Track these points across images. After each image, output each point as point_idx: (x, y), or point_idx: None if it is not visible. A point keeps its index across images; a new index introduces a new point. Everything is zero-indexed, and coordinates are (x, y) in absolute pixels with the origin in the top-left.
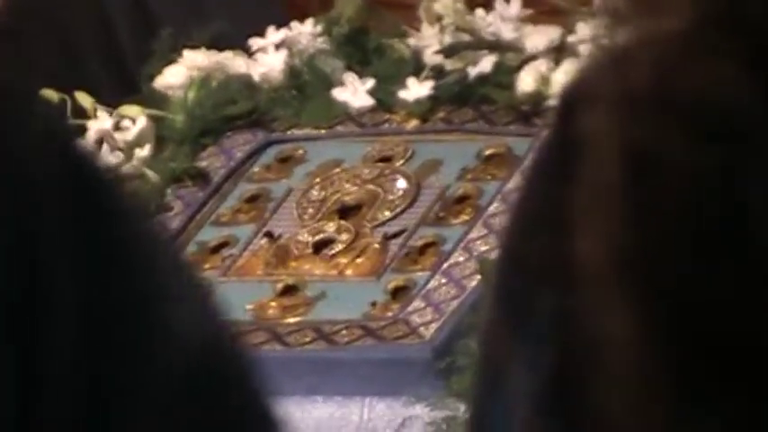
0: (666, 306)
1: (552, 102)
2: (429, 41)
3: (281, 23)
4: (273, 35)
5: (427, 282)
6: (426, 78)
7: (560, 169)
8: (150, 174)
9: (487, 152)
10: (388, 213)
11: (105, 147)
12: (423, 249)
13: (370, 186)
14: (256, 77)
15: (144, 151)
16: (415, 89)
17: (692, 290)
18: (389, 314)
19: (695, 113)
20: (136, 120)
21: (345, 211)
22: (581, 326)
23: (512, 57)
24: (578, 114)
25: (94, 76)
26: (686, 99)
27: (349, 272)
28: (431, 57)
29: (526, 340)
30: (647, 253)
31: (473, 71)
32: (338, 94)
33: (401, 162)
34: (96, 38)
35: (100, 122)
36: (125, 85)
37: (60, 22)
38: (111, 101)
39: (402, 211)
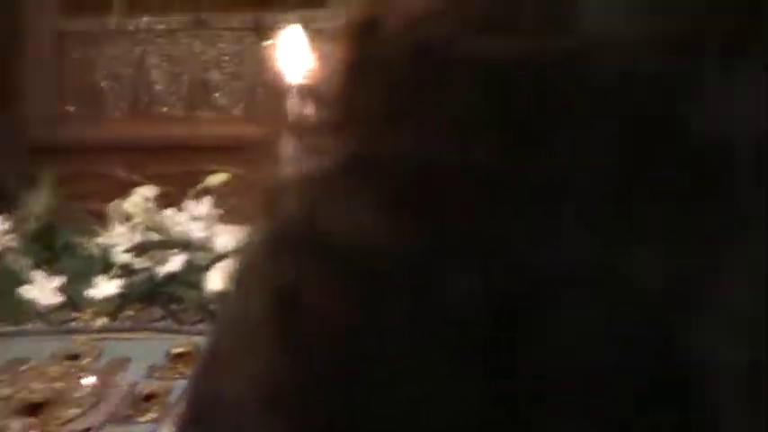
0: None
1: None
2: (118, 240)
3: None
4: None
5: None
6: (115, 276)
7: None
8: None
9: (175, 351)
10: (77, 410)
11: None
12: None
13: (57, 384)
14: None
15: None
16: (104, 287)
17: (348, 422)
18: None
19: (331, 253)
20: None
21: (34, 409)
22: None
23: (201, 256)
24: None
25: None
26: (322, 239)
27: None
28: (120, 255)
29: None
30: (296, 389)
31: (162, 270)
32: (26, 291)
33: (89, 360)
34: None
35: None
36: None
37: None
38: None
39: (89, 408)
